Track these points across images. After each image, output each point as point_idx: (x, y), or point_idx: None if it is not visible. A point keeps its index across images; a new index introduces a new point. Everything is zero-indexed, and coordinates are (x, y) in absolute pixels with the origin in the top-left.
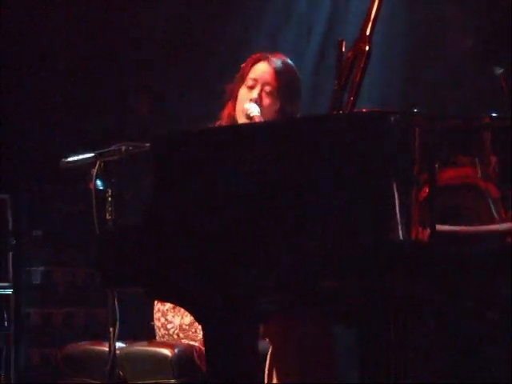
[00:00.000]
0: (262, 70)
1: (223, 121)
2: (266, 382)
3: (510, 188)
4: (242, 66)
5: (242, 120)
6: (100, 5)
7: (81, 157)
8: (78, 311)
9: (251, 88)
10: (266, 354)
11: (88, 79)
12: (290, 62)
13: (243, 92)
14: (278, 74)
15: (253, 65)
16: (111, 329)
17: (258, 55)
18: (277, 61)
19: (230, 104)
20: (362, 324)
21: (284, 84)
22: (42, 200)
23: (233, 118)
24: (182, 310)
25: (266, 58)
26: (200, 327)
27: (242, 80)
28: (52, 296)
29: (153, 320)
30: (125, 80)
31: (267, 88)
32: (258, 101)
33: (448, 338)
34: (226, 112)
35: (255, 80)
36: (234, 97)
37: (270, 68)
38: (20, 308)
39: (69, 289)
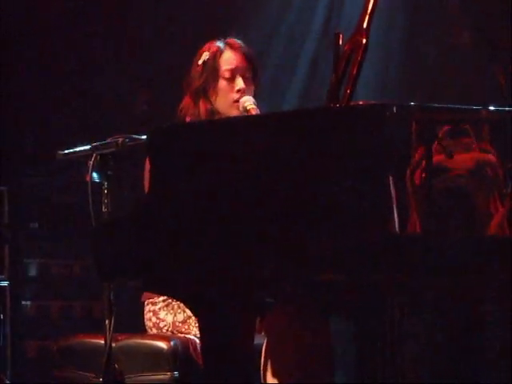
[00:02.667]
0: (233, 58)
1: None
2: (261, 375)
3: (510, 184)
4: (205, 60)
5: (229, 113)
6: (99, 1)
7: (77, 149)
8: (74, 304)
9: (231, 79)
10: (261, 348)
11: (86, 72)
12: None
13: (223, 85)
14: (248, 57)
15: (220, 56)
16: (107, 321)
17: (215, 46)
18: (239, 45)
19: (202, 101)
20: (358, 317)
21: (254, 66)
22: (38, 192)
23: (211, 113)
24: (175, 307)
25: (228, 46)
26: (193, 323)
27: (216, 74)
28: (49, 289)
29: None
30: (122, 73)
31: (246, 74)
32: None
33: (446, 332)
34: (200, 110)
35: (232, 70)
36: (207, 93)
37: (239, 54)
38: (16, 301)
39: (65, 281)
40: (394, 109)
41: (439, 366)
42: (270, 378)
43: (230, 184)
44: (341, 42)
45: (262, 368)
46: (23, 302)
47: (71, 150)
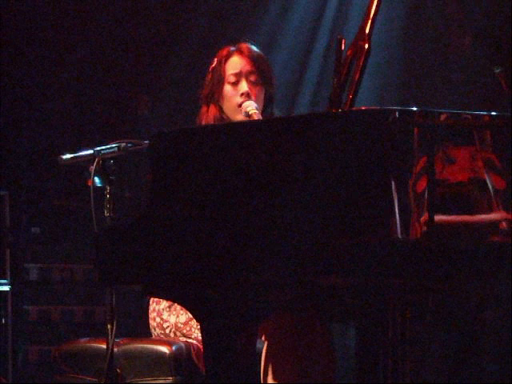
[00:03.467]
0: (238, 62)
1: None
2: (261, 379)
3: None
4: (213, 66)
5: (235, 117)
6: (99, 4)
7: (79, 154)
8: (76, 308)
9: (236, 83)
10: (261, 352)
11: (88, 77)
12: (253, 45)
13: (228, 89)
14: (255, 61)
15: (225, 61)
16: (109, 326)
17: (224, 51)
18: (246, 49)
19: (212, 107)
20: (360, 322)
21: (262, 69)
22: (40, 197)
23: (220, 118)
24: (178, 308)
25: (235, 51)
26: (195, 325)
27: (222, 79)
28: (50, 293)
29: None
30: (124, 78)
31: (252, 78)
32: (250, 92)
33: (447, 335)
34: (209, 115)
35: (237, 74)
36: (216, 99)
37: (244, 58)
38: (18, 305)
39: (67, 286)
40: (397, 114)
41: (440, 369)
42: (270, 381)
43: (231, 188)
44: (343, 47)
45: (262, 371)
46: (24, 307)
47: (73, 155)
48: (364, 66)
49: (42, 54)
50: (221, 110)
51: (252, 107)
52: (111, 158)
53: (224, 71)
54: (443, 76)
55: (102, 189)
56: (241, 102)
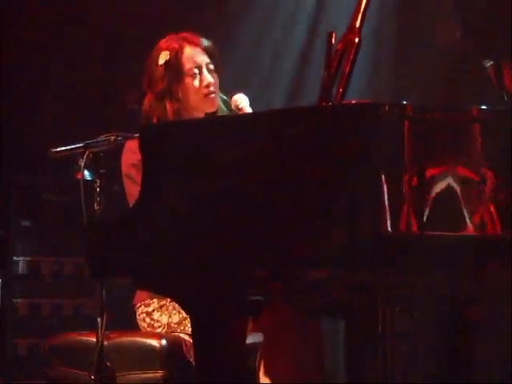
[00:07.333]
0: (194, 54)
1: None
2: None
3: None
4: (167, 60)
5: (200, 108)
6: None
7: (69, 147)
8: (65, 302)
9: (196, 75)
10: (256, 347)
11: (77, 71)
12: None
13: (190, 82)
14: (208, 50)
15: (181, 55)
16: (99, 319)
17: (174, 44)
18: (198, 40)
19: (167, 103)
20: (348, 316)
21: (214, 55)
22: (30, 190)
23: (179, 112)
24: (170, 308)
25: (186, 43)
26: (189, 324)
27: (181, 74)
28: (39, 286)
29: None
30: (113, 72)
31: (211, 66)
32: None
33: (436, 331)
34: (168, 110)
35: (197, 66)
36: (173, 94)
37: (198, 49)
38: (7, 298)
39: (56, 279)
40: (387, 107)
41: (430, 366)
42: (262, 378)
43: (222, 183)
44: (333, 41)
45: (257, 367)
46: (14, 300)
47: (63, 148)
48: (354, 60)
49: (30, 47)
50: (178, 103)
51: (241, 100)
52: (101, 152)
53: (182, 65)
54: (433, 70)
55: (92, 182)
56: (207, 92)
